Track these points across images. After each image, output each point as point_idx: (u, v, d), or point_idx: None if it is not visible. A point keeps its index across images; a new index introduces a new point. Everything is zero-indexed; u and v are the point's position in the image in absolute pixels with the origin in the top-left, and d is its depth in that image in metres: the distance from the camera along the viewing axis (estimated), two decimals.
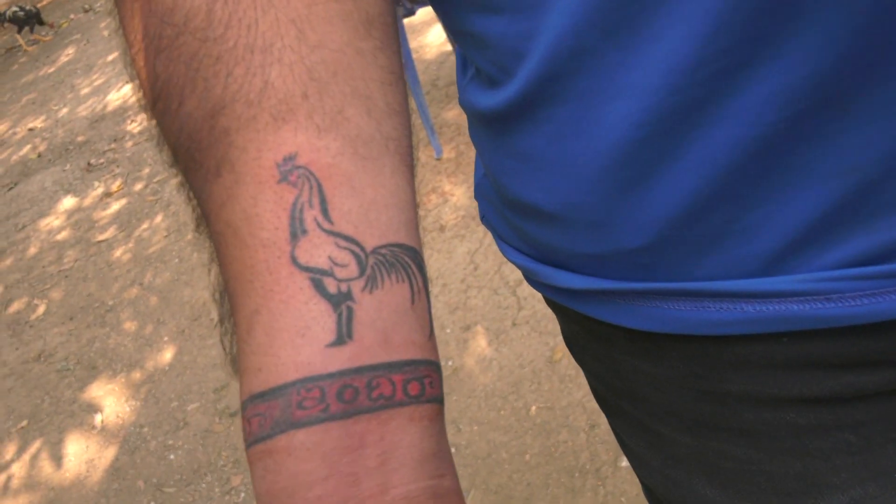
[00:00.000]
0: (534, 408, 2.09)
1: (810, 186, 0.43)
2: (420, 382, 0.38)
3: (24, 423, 2.72)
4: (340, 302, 0.37)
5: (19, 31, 7.68)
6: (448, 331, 2.44)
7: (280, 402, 0.36)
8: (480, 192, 0.70)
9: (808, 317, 0.46)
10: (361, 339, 0.37)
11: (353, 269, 0.38)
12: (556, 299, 0.62)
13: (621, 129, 0.44)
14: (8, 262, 3.83)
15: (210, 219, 0.41)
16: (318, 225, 0.38)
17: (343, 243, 0.38)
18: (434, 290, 2.61)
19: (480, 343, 2.35)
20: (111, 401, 2.72)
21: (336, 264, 0.37)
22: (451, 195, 3.04)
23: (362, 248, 0.38)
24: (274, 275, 0.37)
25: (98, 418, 2.65)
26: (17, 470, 2.50)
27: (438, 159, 3.26)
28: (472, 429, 2.09)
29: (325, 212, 0.38)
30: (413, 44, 4.37)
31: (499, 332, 2.37)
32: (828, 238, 0.45)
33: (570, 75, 0.45)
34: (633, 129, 0.44)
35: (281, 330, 0.37)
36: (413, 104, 3.52)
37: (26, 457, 2.56)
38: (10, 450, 2.61)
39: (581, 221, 0.51)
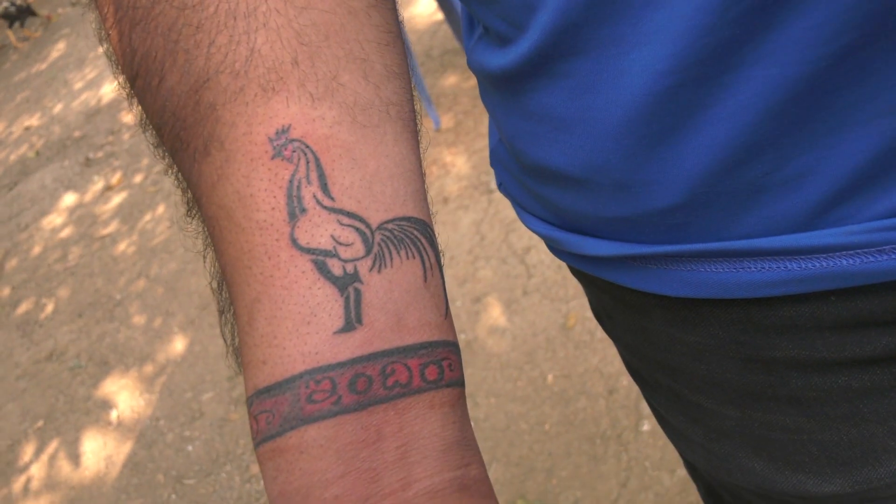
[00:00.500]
0: (550, 376, 2.06)
1: (858, 129, 0.39)
2: (438, 366, 0.36)
3: (41, 423, 2.71)
4: (347, 284, 0.35)
5: (10, 27, 7.63)
6: (458, 303, 2.41)
7: (288, 396, 0.34)
8: (496, 160, 0.66)
9: (859, 272, 0.42)
10: (372, 323, 0.35)
11: (358, 248, 0.36)
12: (583, 268, 0.58)
13: (646, 79, 0.41)
14: (13, 262, 3.82)
15: (201, 202, 0.39)
16: (318, 202, 0.35)
17: (346, 220, 0.36)
18: (442, 262, 2.58)
19: (492, 314, 2.32)
20: (125, 396, 2.71)
21: (340, 243, 0.35)
22: (453, 166, 3.00)
23: (367, 225, 0.36)
24: (273, 259, 0.35)
25: (114, 414, 2.64)
26: (37, 471, 2.50)
27: (437, 130, 3.21)
28: (490, 401, 2.07)
29: (324, 187, 0.36)
30: (404, 14, 4.30)
31: (510, 301, 2.34)
32: (878, 184, 0.41)
33: (587, 24, 0.41)
34: (659, 78, 0.40)
35: (284, 318, 0.35)
36: None
37: (44, 457, 2.55)
38: (29, 451, 2.61)
39: (606, 183, 0.47)
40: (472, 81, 3.44)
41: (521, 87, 0.49)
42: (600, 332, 2.09)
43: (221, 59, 0.36)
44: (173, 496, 2.25)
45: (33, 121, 5.68)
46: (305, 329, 0.34)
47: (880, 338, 0.46)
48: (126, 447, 2.49)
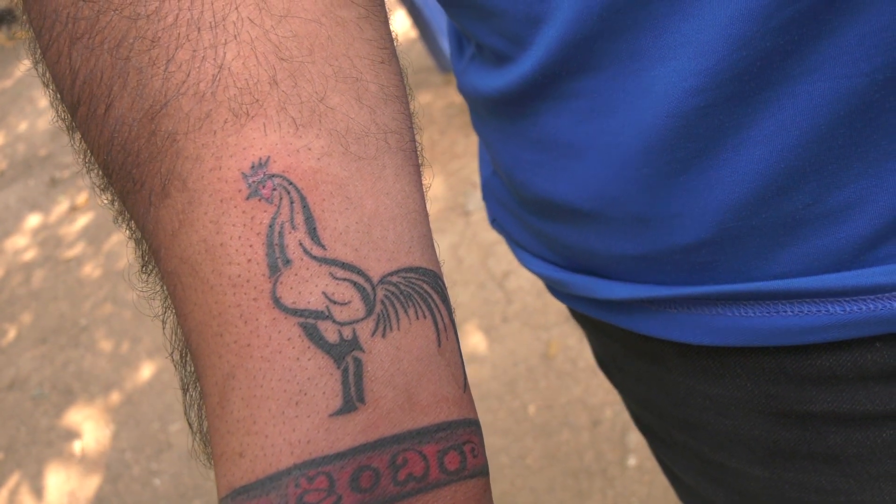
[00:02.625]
0: (532, 407, 2.00)
1: None
2: (460, 452, 0.30)
3: (0, 455, 2.60)
4: (345, 353, 0.28)
5: None
6: None
7: (273, 497, 0.27)
8: (489, 193, 0.60)
9: None
10: (377, 401, 0.28)
11: (357, 308, 0.29)
12: (591, 313, 0.53)
13: (671, 99, 0.35)
14: None
15: (159, 255, 0.32)
16: (306, 251, 0.29)
17: (341, 273, 0.29)
18: None
19: (471, 342, 2.26)
20: (90, 426, 2.61)
21: (334, 302, 0.29)
22: (428, 188, 2.94)
23: (367, 279, 0.30)
24: (251, 323, 0.28)
25: (77, 446, 2.54)
26: None
27: None
28: None
29: (312, 233, 0.29)
30: None
31: (489, 328, 2.28)
32: None
33: (602, 37, 0.36)
34: (686, 98, 0.35)
35: (266, 398, 0.28)
36: None
37: (4, 492, 2.45)
38: None
39: (622, 217, 0.42)
40: (447, 100, 3.40)
41: (523, 111, 0.44)
42: (583, 362, 2.03)
43: (182, 79, 0.30)
44: None
45: None
46: (293, 411, 0.28)
47: None
48: (91, 481, 2.40)
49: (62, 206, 4.22)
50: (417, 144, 0.37)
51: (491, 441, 1.97)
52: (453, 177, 2.96)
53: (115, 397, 2.70)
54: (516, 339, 2.21)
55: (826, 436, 0.45)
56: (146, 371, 2.76)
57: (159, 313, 0.35)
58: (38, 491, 2.42)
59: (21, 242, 3.97)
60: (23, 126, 5.59)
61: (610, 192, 0.41)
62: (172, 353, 0.34)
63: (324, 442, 0.27)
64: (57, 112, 0.35)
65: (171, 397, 2.59)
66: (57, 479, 2.44)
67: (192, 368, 0.32)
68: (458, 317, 2.35)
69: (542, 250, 0.53)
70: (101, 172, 0.33)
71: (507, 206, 0.56)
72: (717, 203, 0.38)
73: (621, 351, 0.57)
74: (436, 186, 2.95)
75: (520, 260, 0.58)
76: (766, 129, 0.35)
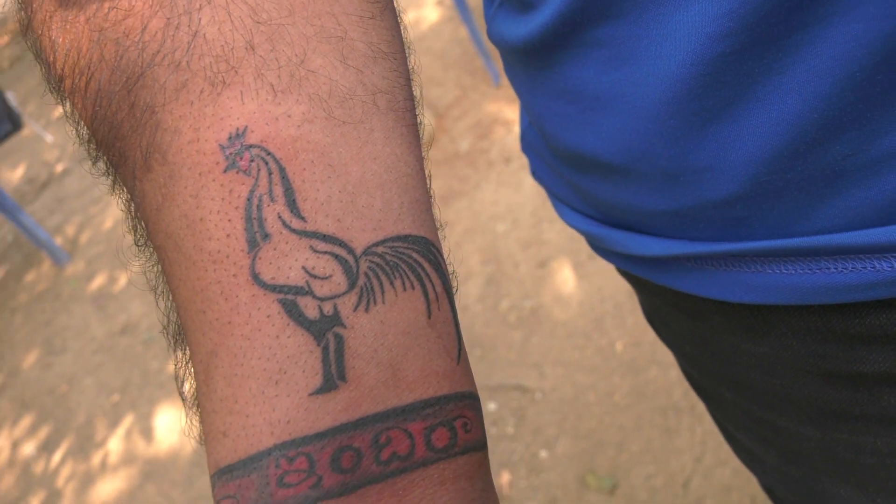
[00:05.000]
0: (619, 344, 1.98)
1: None
2: (449, 428, 0.29)
3: (116, 397, 2.76)
4: (325, 329, 0.28)
5: None
6: (523, 269, 2.34)
7: (254, 478, 0.27)
8: (527, 145, 0.58)
9: None
10: (359, 378, 0.28)
11: (338, 281, 0.28)
12: (631, 269, 0.51)
13: (696, 45, 0.33)
14: (86, 236, 3.88)
15: (149, 228, 0.31)
16: (285, 224, 0.28)
17: (322, 246, 0.28)
18: (505, 226, 2.50)
19: (558, 279, 2.24)
20: None
21: (314, 277, 0.28)
22: (515, 123, 2.90)
23: (350, 250, 0.28)
24: (231, 301, 0.28)
25: (186, 386, 2.66)
26: (114, 445, 2.54)
27: (497, 86, 3.11)
28: (557, 371, 2.00)
29: (292, 204, 0.28)
30: None
31: (576, 265, 2.26)
32: None
33: None
34: (713, 43, 0.33)
35: (246, 377, 0.28)
36: (464, 32, 3.37)
37: (120, 431, 2.60)
38: (105, 425, 2.66)
39: (651, 171, 0.40)
40: None
41: (547, 61, 0.42)
42: None
43: (157, 49, 0.29)
44: None
45: None
46: (273, 391, 0.27)
47: None
48: (183, 418, 2.51)
49: None
50: (416, 101, 0.35)
51: (578, 378, 1.96)
52: None
53: None
54: (603, 275, 2.17)
55: (879, 397, 0.42)
56: None
57: (154, 287, 0.35)
58: (150, 430, 2.56)
59: None
60: None
61: (637, 145, 0.39)
62: (167, 327, 0.34)
63: (303, 422, 0.27)
64: (48, 83, 0.34)
65: None
66: (168, 419, 2.57)
67: (185, 343, 0.32)
68: (545, 254, 2.33)
69: (580, 204, 0.51)
70: (93, 144, 0.33)
71: (544, 157, 0.54)
72: (748, 156, 0.36)
73: (665, 307, 0.55)
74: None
75: (559, 213, 0.56)
76: (798, 75, 0.32)
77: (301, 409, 0.27)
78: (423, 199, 0.32)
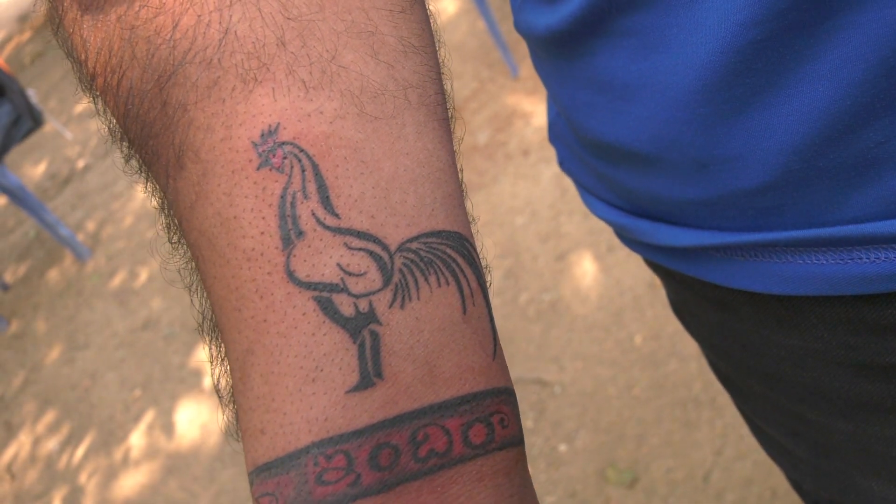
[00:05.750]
0: (638, 337, 1.97)
1: None
2: (486, 424, 0.29)
3: (138, 392, 2.78)
4: (361, 327, 0.28)
5: None
6: (542, 261, 2.33)
7: (293, 476, 0.27)
8: (555, 135, 0.58)
9: None
10: (396, 375, 0.28)
11: (374, 278, 0.28)
12: (659, 260, 0.50)
13: (726, 32, 0.33)
14: (108, 230, 3.91)
15: (182, 226, 0.32)
16: (319, 221, 0.28)
17: (356, 243, 0.28)
18: (523, 219, 2.50)
19: (576, 272, 2.24)
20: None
21: (349, 274, 0.28)
22: (533, 115, 2.89)
23: (384, 247, 0.28)
24: (266, 298, 0.28)
25: (207, 381, 2.68)
26: (136, 440, 2.57)
27: (515, 78, 3.10)
28: (576, 365, 2.00)
29: (325, 201, 0.28)
30: None
31: (595, 258, 2.25)
32: None
33: None
34: (742, 31, 0.32)
35: (283, 375, 0.28)
36: (482, 25, 3.36)
37: (143, 426, 2.62)
38: (128, 420, 2.68)
39: (680, 160, 0.40)
40: None
41: (575, 51, 0.42)
42: None
43: (188, 47, 0.29)
44: None
45: None
46: (310, 388, 0.27)
47: None
48: (220, 415, 2.53)
49: None
50: (447, 95, 0.35)
51: (598, 372, 1.96)
52: None
53: None
54: (622, 268, 2.16)
55: None
56: None
57: (188, 284, 0.35)
58: (172, 425, 2.58)
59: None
60: None
61: (667, 134, 0.39)
62: (202, 324, 0.34)
63: (341, 419, 0.27)
64: (80, 82, 0.34)
65: None
66: (189, 413, 2.59)
67: (221, 341, 0.32)
68: (563, 247, 2.32)
69: (607, 194, 0.51)
70: (126, 143, 0.33)
71: (572, 148, 0.54)
72: (779, 144, 0.35)
73: (693, 298, 0.54)
74: (540, 115, 2.89)
75: (586, 204, 0.56)
76: (830, 62, 0.32)
77: (338, 407, 0.27)
78: (456, 194, 0.32)
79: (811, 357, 0.45)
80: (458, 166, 0.34)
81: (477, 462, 0.28)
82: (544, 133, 2.79)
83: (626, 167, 0.44)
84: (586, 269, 2.23)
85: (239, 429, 0.31)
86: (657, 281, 2.08)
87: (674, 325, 1.94)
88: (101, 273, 3.56)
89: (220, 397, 0.34)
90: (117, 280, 3.50)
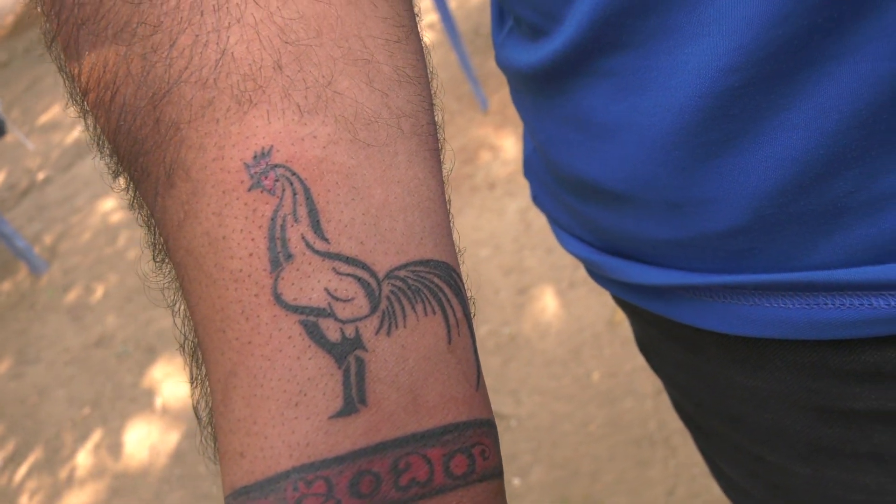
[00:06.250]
0: (596, 374, 1.99)
1: None
2: (467, 455, 0.29)
3: (87, 409, 2.73)
4: (346, 352, 0.28)
5: None
6: (503, 294, 2.34)
7: (272, 500, 0.27)
8: (530, 170, 0.58)
9: None
10: (379, 402, 0.28)
11: (361, 304, 0.28)
12: (628, 298, 0.51)
13: (704, 78, 0.34)
14: (66, 245, 3.85)
15: (168, 245, 0.31)
16: (308, 245, 0.28)
17: (345, 268, 0.28)
18: (487, 251, 2.51)
19: (537, 307, 2.25)
20: (170, 383, 2.71)
21: (336, 299, 0.28)
22: (500, 149, 2.92)
23: (372, 273, 0.29)
24: (252, 320, 0.28)
25: (159, 401, 2.64)
26: (82, 459, 2.51)
27: (485, 112, 3.13)
28: (533, 399, 2.00)
29: (316, 226, 0.28)
30: None
31: (556, 294, 2.26)
32: None
33: (634, 13, 0.34)
34: (721, 77, 0.33)
35: (266, 398, 0.28)
36: (453, 58, 3.39)
37: (90, 445, 2.57)
38: (74, 439, 2.63)
39: (654, 200, 0.40)
40: None
41: (556, 88, 0.42)
42: None
43: (185, 66, 0.29)
44: (214, 488, 2.23)
45: None
46: (293, 413, 0.27)
47: None
48: (171, 436, 2.49)
49: None
50: (438, 126, 0.35)
51: (555, 407, 1.96)
52: None
53: None
54: (583, 304, 2.18)
55: (871, 434, 0.43)
56: None
57: (171, 303, 0.34)
58: (120, 444, 2.53)
59: (109, 205, 4.11)
60: None
61: (642, 174, 0.40)
62: (184, 344, 0.34)
63: (323, 445, 0.27)
64: (71, 97, 0.34)
65: None
66: (139, 434, 2.54)
67: (202, 361, 0.32)
68: (525, 281, 2.33)
69: (580, 231, 0.52)
70: (114, 158, 0.33)
71: (547, 183, 0.54)
72: (752, 189, 0.36)
73: (659, 337, 0.55)
74: (508, 149, 2.92)
75: (558, 239, 0.56)
76: (805, 112, 0.33)
77: (320, 432, 0.27)
78: (444, 224, 0.33)
79: (773, 399, 0.46)
80: (447, 197, 0.34)
81: (457, 493, 0.28)
82: (511, 167, 2.82)
83: (601, 205, 0.45)
84: (547, 304, 2.25)
85: (217, 451, 0.30)
86: (616, 318, 2.09)
87: (631, 363, 1.96)
88: (56, 287, 3.50)
89: (198, 419, 0.33)
90: (72, 295, 3.44)
